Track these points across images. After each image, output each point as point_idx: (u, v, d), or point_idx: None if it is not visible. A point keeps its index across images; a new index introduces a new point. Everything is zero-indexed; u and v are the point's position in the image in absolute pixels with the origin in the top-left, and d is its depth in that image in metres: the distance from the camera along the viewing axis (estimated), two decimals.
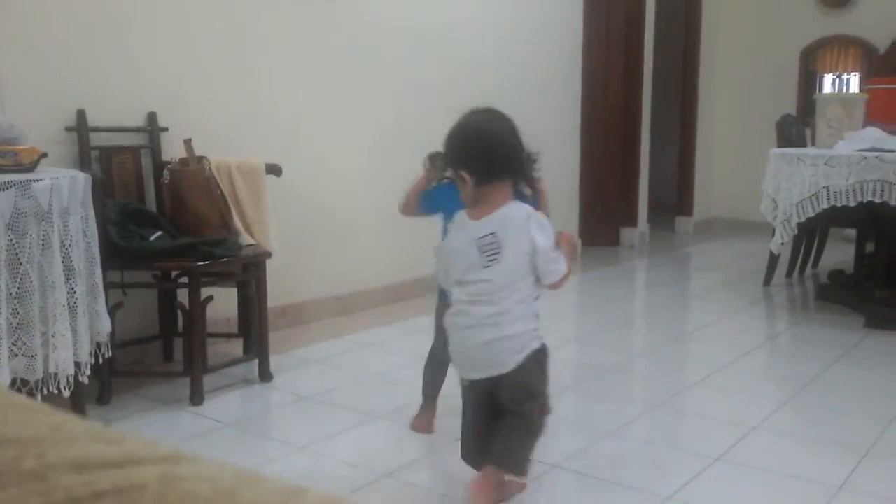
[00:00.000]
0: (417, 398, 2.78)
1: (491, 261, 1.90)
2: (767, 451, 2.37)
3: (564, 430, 2.54)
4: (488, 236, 1.90)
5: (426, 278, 4.41)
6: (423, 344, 3.42)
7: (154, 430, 2.47)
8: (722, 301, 4.47)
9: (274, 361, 2.99)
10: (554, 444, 2.38)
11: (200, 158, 2.91)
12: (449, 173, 2.10)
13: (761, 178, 4.44)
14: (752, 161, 6.13)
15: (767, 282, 4.78)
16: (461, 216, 1.99)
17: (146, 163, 3.07)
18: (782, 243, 4.26)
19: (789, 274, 5.02)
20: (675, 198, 7.23)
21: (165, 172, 2.94)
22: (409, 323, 3.82)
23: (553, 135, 5.38)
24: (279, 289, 3.46)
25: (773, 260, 4.70)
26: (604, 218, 6.17)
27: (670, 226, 7.15)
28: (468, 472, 2.08)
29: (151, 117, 3.10)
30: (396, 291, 4.24)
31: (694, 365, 3.41)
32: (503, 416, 1.94)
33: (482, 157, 1.94)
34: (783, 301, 4.63)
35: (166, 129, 3.13)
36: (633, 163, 6.29)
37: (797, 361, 3.37)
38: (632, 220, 6.34)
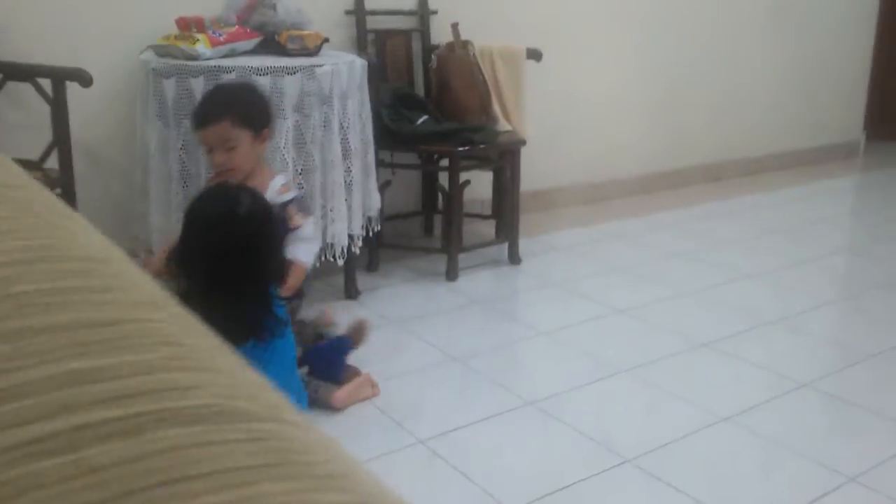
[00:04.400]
0: (663, 295, 2.77)
1: None
2: None
3: (820, 347, 2.41)
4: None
5: (681, 170, 4.26)
6: (673, 239, 3.37)
7: (414, 299, 2.70)
8: None
9: (523, 245, 3.11)
10: (808, 363, 2.28)
11: (465, 43, 2.98)
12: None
13: None
14: None
15: None
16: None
17: (416, 46, 3.21)
18: None
19: None
20: None
21: (433, 57, 3.06)
22: (659, 216, 3.74)
23: (842, 13, 4.80)
24: (532, 173, 3.52)
25: None
26: None
27: None
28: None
29: (422, 0, 3.20)
30: (648, 182, 4.15)
31: None
32: None
33: (270, 115, 2.05)
34: None
35: (435, 13, 3.22)
36: None
37: None
38: None
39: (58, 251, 0.29)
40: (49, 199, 0.38)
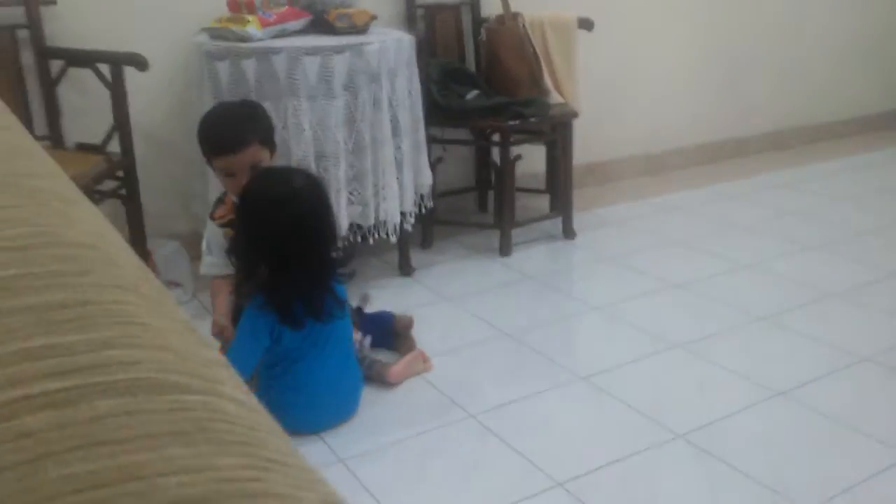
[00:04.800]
0: (721, 268, 2.73)
1: None
2: None
3: (885, 321, 2.34)
4: None
5: (741, 139, 4.15)
6: (732, 210, 3.30)
7: (468, 275, 2.71)
8: None
9: (577, 219, 3.08)
10: (870, 337, 2.21)
11: (515, 15, 2.95)
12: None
13: None
14: None
15: None
16: None
17: (466, 20, 3.19)
18: None
19: None
20: None
21: (482, 31, 3.03)
22: (719, 187, 3.65)
23: None
24: (588, 145, 3.48)
25: None
26: None
27: None
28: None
29: None
30: (707, 152, 4.05)
31: None
32: None
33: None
34: None
35: None
36: None
37: None
38: None
39: (50, 238, 0.32)
40: (62, 188, 0.41)
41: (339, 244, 1.96)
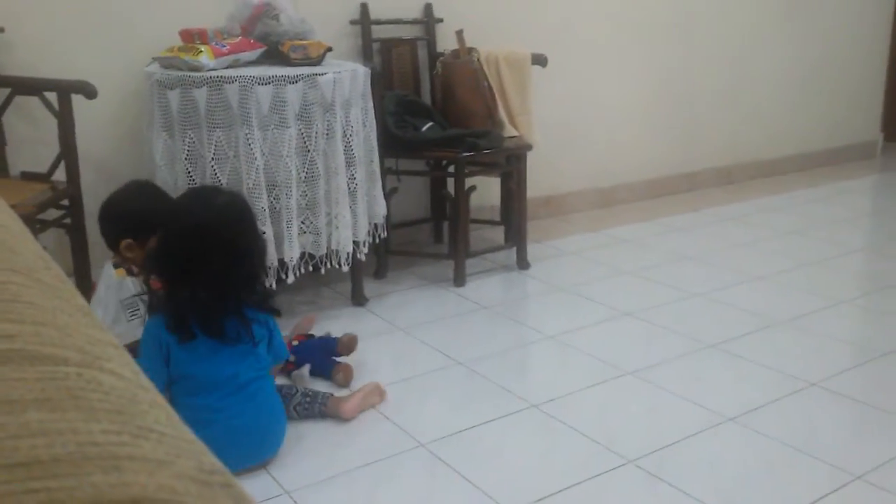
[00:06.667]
0: (671, 297, 2.76)
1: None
2: None
3: (832, 347, 2.38)
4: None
5: (689, 174, 4.24)
6: (680, 242, 3.35)
7: (422, 305, 2.70)
8: None
9: (532, 250, 3.10)
10: (817, 363, 2.25)
11: (470, 50, 2.99)
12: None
13: None
14: None
15: None
16: None
17: (422, 54, 3.22)
18: None
19: None
20: None
21: (438, 65, 3.07)
22: (668, 220, 3.72)
23: (856, 12, 4.76)
24: (542, 178, 3.53)
25: None
26: None
27: None
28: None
29: (427, 9, 3.22)
30: (658, 186, 4.12)
31: None
32: None
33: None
34: None
35: (441, 21, 3.24)
36: None
37: None
38: None
39: None
40: None
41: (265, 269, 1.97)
